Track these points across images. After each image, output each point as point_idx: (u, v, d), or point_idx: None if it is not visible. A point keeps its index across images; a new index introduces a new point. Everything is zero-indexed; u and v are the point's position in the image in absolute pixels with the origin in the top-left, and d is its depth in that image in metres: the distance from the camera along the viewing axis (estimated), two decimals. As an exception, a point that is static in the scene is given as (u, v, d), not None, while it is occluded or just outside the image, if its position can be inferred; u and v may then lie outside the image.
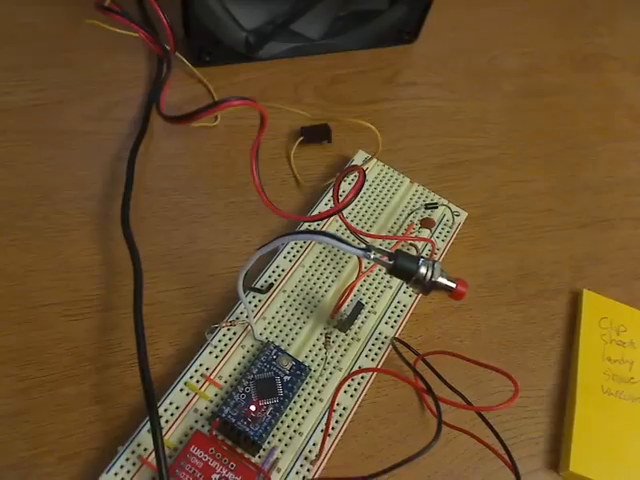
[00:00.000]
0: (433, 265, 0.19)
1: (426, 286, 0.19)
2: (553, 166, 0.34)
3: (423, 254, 0.27)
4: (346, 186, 0.29)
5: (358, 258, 0.26)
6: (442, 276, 0.19)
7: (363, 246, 0.18)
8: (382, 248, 0.19)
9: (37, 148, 0.29)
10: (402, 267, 0.19)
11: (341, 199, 0.26)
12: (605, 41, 0.42)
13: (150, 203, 0.28)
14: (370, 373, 0.23)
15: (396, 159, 0.31)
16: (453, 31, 0.40)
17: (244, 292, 0.23)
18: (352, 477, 0.19)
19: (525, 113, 0.37)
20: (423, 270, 0.19)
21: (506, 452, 0.21)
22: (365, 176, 0.22)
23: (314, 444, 0.22)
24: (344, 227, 0.26)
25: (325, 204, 0.28)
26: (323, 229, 0.27)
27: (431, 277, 0.19)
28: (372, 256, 0.18)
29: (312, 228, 0.27)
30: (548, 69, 0.39)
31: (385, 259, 0.19)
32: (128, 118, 0.31)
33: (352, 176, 0.29)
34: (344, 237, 0.19)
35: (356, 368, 0.23)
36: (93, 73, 0.32)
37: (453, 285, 0.19)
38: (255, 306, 0.24)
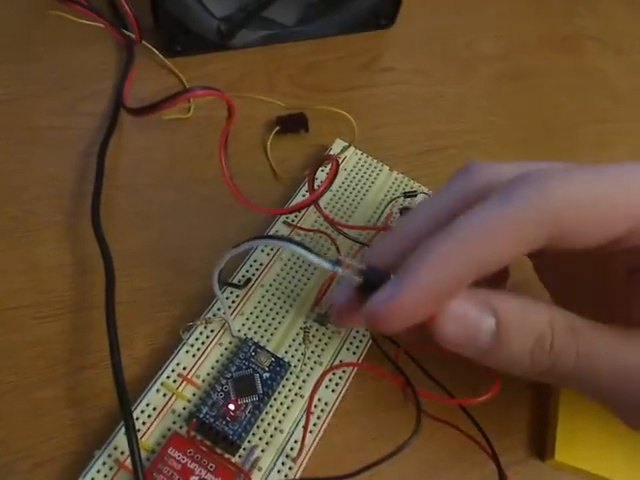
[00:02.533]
0: None
1: None
2: (535, 150, 0.34)
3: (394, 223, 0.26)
4: (323, 176, 0.28)
5: (337, 250, 0.25)
6: None
7: (332, 259, 0.17)
8: (352, 262, 0.17)
9: (3, 146, 0.28)
10: (371, 287, 0.17)
11: (317, 189, 0.25)
12: (585, 22, 0.42)
13: (122, 199, 0.27)
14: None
15: (374, 147, 0.30)
16: (430, 15, 0.39)
17: (220, 288, 0.22)
18: (334, 476, 0.18)
19: (505, 97, 0.36)
20: None
21: (487, 443, 0.21)
22: (338, 165, 0.21)
23: (295, 441, 0.21)
24: (322, 218, 0.25)
25: (303, 195, 0.27)
26: (299, 222, 0.26)
27: None
28: (340, 272, 0.17)
29: (289, 220, 0.26)
30: (527, 51, 0.39)
31: (354, 275, 0.17)
32: (97, 112, 0.30)
33: (329, 165, 0.28)
34: (311, 246, 0.17)
35: (337, 362, 0.23)
36: (60, 66, 0.31)
37: None
38: (233, 302, 0.24)
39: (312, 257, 0.17)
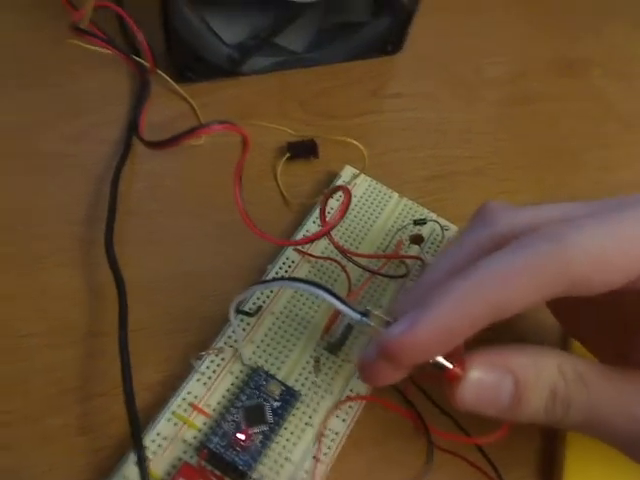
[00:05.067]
0: None
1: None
2: (541, 175, 0.34)
3: (413, 271, 0.26)
4: (334, 203, 0.28)
5: (347, 277, 0.25)
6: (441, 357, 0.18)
7: (360, 309, 0.17)
8: (381, 315, 0.17)
9: (17, 172, 0.28)
10: None
11: (329, 216, 0.26)
12: (590, 47, 0.42)
13: (135, 226, 0.28)
14: (363, 394, 0.23)
15: (384, 173, 0.31)
16: (437, 41, 0.39)
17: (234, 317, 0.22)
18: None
19: (511, 122, 0.36)
20: None
21: (497, 475, 0.21)
22: (350, 196, 0.21)
23: (306, 472, 0.21)
24: (332, 245, 0.26)
25: (313, 222, 0.28)
26: (310, 249, 0.26)
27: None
28: (370, 324, 0.17)
29: (299, 247, 0.26)
30: (533, 77, 0.39)
31: (382, 327, 0.17)
32: (111, 139, 0.30)
33: (340, 192, 0.28)
34: (341, 295, 0.17)
35: (347, 391, 0.23)
36: (74, 93, 0.32)
37: (450, 366, 0.17)
38: (243, 330, 0.24)
39: (341, 306, 0.17)
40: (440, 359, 0.17)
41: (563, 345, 0.26)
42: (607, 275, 0.16)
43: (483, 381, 0.17)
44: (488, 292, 0.16)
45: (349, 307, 0.17)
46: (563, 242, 0.16)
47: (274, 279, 0.18)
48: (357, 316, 0.17)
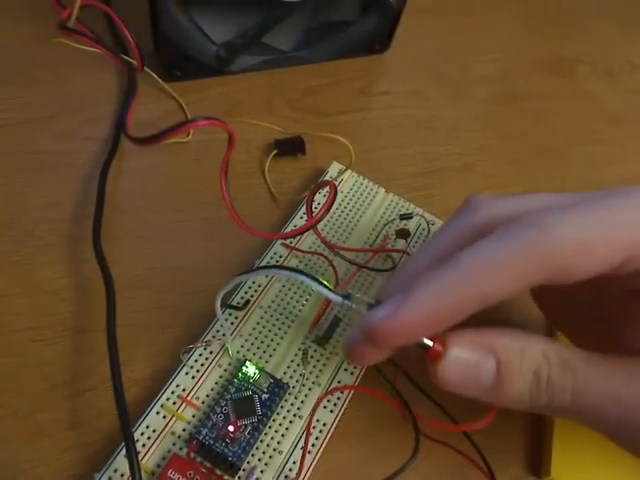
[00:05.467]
0: None
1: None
2: (528, 171, 0.34)
3: (399, 264, 0.27)
4: (321, 198, 0.28)
5: (334, 271, 0.26)
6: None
7: (343, 293, 0.17)
8: (362, 297, 0.18)
9: (4, 169, 0.28)
10: None
11: (315, 212, 0.26)
12: (577, 45, 0.43)
13: (122, 222, 0.28)
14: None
15: (371, 169, 0.31)
16: (424, 39, 0.40)
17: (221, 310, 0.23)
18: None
19: (498, 119, 0.37)
20: None
21: (484, 462, 0.21)
22: (336, 191, 0.22)
23: (294, 462, 0.21)
24: (319, 241, 0.26)
25: (300, 217, 0.28)
26: (297, 244, 0.26)
27: None
28: (352, 306, 0.17)
29: (287, 242, 0.26)
30: (521, 74, 0.40)
31: (364, 310, 0.18)
32: (99, 136, 0.30)
33: (327, 188, 0.29)
34: (324, 280, 0.18)
35: (335, 383, 0.23)
36: (62, 91, 0.32)
37: (430, 344, 0.18)
38: (232, 323, 0.24)
39: (323, 290, 0.17)
40: (422, 338, 0.18)
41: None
42: (589, 262, 0.16)
43: (465, 360, 0.18)
44: (472, 281, 0.16)
45: (331, 291, 0.17)
46: (545, 229, 0.16)
47: (257, 268, 0.18)
48: (339, 299, 0.17)
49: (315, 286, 0.17)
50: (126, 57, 0.32)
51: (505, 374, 0.17)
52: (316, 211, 0.27)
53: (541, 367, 0.17)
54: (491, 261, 0.16)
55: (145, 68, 0.32)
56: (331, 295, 0.17)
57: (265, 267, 0.19)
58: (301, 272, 0.17)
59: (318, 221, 0.21)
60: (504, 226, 0.17)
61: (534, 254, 0.16)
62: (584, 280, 0.17)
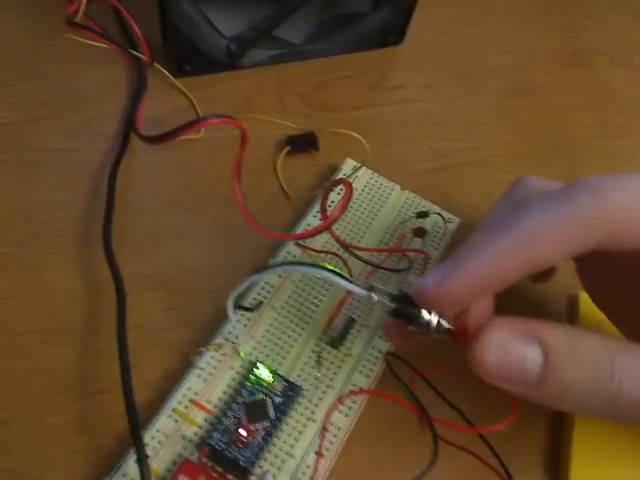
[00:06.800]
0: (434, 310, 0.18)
1: (425, 331, 0.18)
2: (545, 166, 0.33)
3: (416, 265, 0.26)
4: (335, 196, 0.28)
5: (349, 272, 0.25)
6: (444, 321, 0.18)
7: (365, 285, 0.17)
8: (385, 289, 0.18)
9: (13, 168, 0.28)
10: (404, 312, 0.18)
11: (329, 210, 0.25)
12: (594, 36, 0.42)
13: (133, 221, 0.27)
14: (365, 388, 0.22)
15: (385, 165, 0.30)
16: (439, 31, 0.39)
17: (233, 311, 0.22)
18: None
19: (514, 112, 0.36)
20: (426, 316, 0.18)
21: (502, 467, 0.20)
22: (352, 189, 0.21)
23: (308, 467, 0.21)
24: (333, 240, 0.25)
25: (314, 216, 0.27)
26: (311, 244, 0.26)
27: (433, 324, 0.18)
28: (376, 298, 0.17)
29: (300, 242, 0.26)
30: (536, 66, 0.39)
31: (387, 300, 0.18)
32: (108, 133, 0.30)
33: (341, 186, 0.28)
34: (344, 273, 0.17)
35: (350, 386, 0.23)
36: (70, 88, 0.31)
37: (451, 327, 0.18)
38: (244, 325, 0.24)
39: (345, 283, 0.17)
40: (444, 323, 0.18)
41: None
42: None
43: (509, 344, 0.17)
44: (522, 245, 0.16)
45: (354, 284, 0.17)
46: (599, 195, 0.16)
47: (269, 266, 0.18)
48: (363, 292, 0.17)
49: (335, 280, 0.16)
50: (135, 52, 0.32)
51: (555, 363, 0.16)
52: (330, 209, 0.26)
53: (601, 356, 0.16)
54: (542, 224, 0.16)
55: (155, 63, 0.32)
56: (354, 288, 0.17)
57: (278, 264, 0.18)
58: (318, 266, 0.17)
59: (333, 222, 0.21)
60: (558, 191, 0.17)
61: (587, 219, 0.16)
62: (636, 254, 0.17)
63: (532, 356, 0.17)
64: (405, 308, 0.18)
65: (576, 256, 0.17)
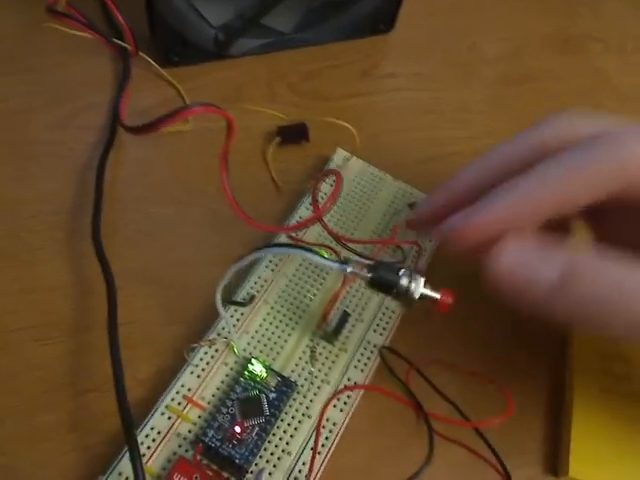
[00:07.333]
0: (412, 275, 0.18)
1: (408, 299, 0.18)
2: (539, 154, 0.33)
3: (409, 257, 0.26)
4: (327, 187, 0.27)
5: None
6: (425, 287, 0.18)
7: (339, 259, 0.17)
8: (360, 260, 0.18)
9: (-1, 161, 0.28)
10: (381, 280, 0.18)
11: (321, 201, 0.25)
12: (587, 22, 0.41)
13: (122, 214, 0.27)
14: (360, 383, 0.22)
15: (377, 155, 0.30)
16: (430, 18, 0.38)
17: (224, 306, 0.22)
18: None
19: (508, 100, 0.35)
20: (404, 282, 0.18)
21: (499, 463, 0.20)
22: (342, 180, 0.21)
23: (304, 463, 0.21)
24: (326, 232, 0.25)
25: (306, 208, 0.27)
26: (303, 236, 0.25)
27: (412, 289, 0.18)
28: (349, 270, 0.17)
29: (292, 234, 0.25)
30: (530, 53, 0.38)
31: (364, 271, 0.18)
32: (95, 125, 0.29)
33: (332, 177, 0.28)
34: (322, 252, 0.17)
35: (345, 381, 0.22)
36: (55, 79, 0.31)
37: (437, 296, 0.18)
38: (237, 320, 0.23)
39: (319, 259, 0.17)
40: (426, 291, 0.18)
41: (563, 349, 0.26)
42: None
43: (526, 250, 0.18)
44: (552, 188, 0.18)
45: (327, 260, 0.17)
46: (620, 145, 0.18)
47: (251, 253, 0.18)
48: (337, 266, 0.17)
49: (311, 257, 0.17)
50: (119, 41, 0.31)
51: (574, 273, 0.17)
52: (322, 201, 0.26)
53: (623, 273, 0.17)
54: (570, 170, 0.18)
55: (141, 54, 0.31)
56: (329, 263, 0.17)
57: (257, 249, 0.18)
58: (294, 246, 0.17)
59: (323, 214, 0.21)
60: (585, 140, 0.18)
61: (609, 166, 0.17)
62: None
63: (553, 261, 0.18)
64: (383, 275, 0.18)
65: (600, 199, 0.18)
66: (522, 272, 0.18)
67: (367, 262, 0.18)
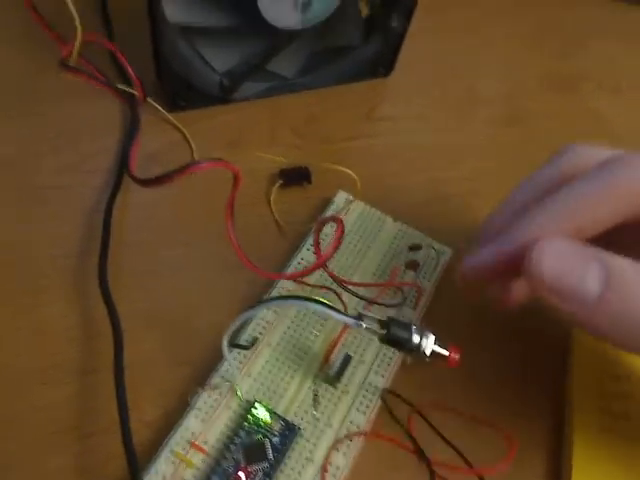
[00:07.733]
0: (423, 332, 0.18)
1: (419, 355, 0.18)
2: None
3: (409, 298, 0.26)
4: (329, 228, 0.28)
5: (344, 306, 0.25)
6: (435, 344, 0.19)
7: (353, 314, 0.18)
8: (374, 315, 0.18)
9: (8, 205, 0.28)
10: (395, 337, 0.18)
11: (323, 244, 0.26)
12: (581, 62, 0.43)
13: (129, 257, 0.27)
14: (362, 426, 0.23)
15: (378, 197, 0.30)
16: (428, 62, 0.40)
17: (228, 350, 0.22)
18: None
19: (504, 141, 0.36)
20: (416, 339, 0.18)
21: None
22: (343, 227, 0.21)
23: (308, 507, 0.21)
24: (326, 274, 0.25)
25: (307, 249, 0.27)
26: (306, 279, 0.26)
27: (424, 347, 0.18)
28: (364, 326, 0.18)
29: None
30: (525, 94, 0.39)
31: (376, 327, 0.18)
32: (102, 169, 0.30)
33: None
34: (332, 304, 0.18)
35: (347, 423, 0.23)
36: (66, 124, 0.32)
37: (446, 353, 0.19)
38: (240, 362, 0.24)
39: (334, 314, 0.17)
40: (436, 348, 0.19)
41: (565, 357, 0.26)
42: None
43: (568, 254, 0.17)
44: (574, 215, 0.18)
45: (342, 314, 0.18)
46: (632, 168, 0.18)
47: (260, 302, 0.18)
48: (352, 321, 0.18)
49: (324, 311, 0.17)
50: (129, 89, 0.32)
51: (618, 281, 0.16)
52: (324, 242, 0.26)
53: None
54: (584, 195, 0.18)
55: (149, 99, 0.32)
56: (343, 318, 0.18)
57: (268, 300, 0.18)
58: (307, 299, 0.17)
59: (326, 260, 0.21)
60: (599, 165, 0.19)
61: (621, 189, 0.18)
62: None
63: (593, 273, 0.16)
64: (396, 333, 0.18)
65: (617, 222, 0.18)
66: (567, 276, 0.17)
67: (380, 318, 0.19)
